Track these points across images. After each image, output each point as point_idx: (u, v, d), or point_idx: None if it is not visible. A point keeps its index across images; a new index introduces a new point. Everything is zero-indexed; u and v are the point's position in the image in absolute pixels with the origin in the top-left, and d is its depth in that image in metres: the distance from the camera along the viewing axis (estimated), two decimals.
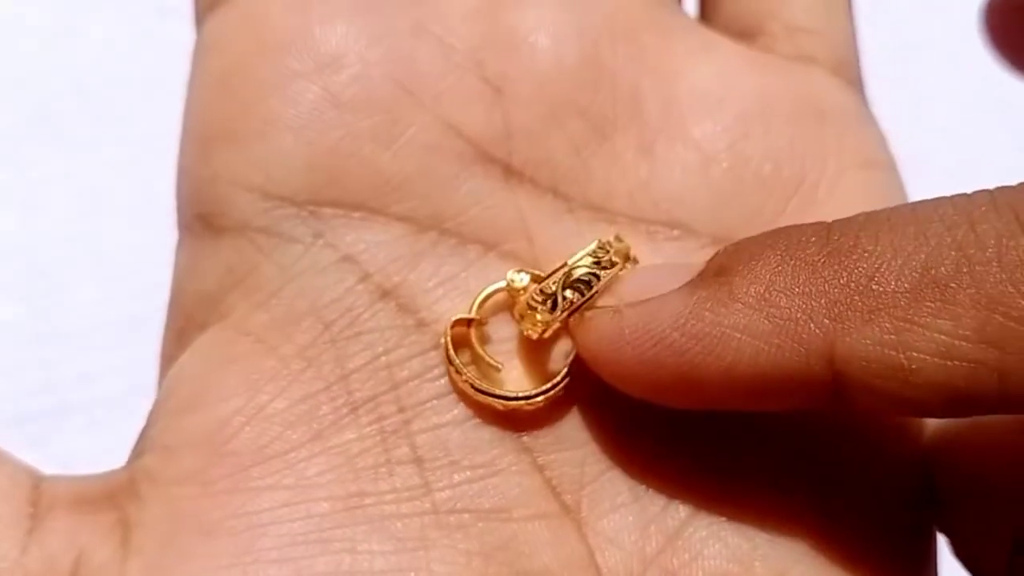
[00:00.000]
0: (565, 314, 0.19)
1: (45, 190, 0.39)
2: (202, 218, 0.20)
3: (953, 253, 0.16)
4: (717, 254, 0.18)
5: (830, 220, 0.18)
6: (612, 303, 0.18)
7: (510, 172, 0.20)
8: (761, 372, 0.17)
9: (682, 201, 0.21)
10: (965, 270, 0.16)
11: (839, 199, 0.21)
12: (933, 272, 0.16)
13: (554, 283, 0.19)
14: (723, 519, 0.19)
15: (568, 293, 0.19)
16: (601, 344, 0.18)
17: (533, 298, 0.19)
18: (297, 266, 0.19)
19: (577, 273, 0.19)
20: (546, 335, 0.19)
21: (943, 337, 0.16)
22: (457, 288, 0.19)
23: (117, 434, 0.20)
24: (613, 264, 0.19)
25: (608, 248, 0.19)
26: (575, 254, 0.19)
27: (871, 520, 0.19)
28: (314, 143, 0.19)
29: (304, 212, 0.19)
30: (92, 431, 0.36)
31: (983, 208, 0.16)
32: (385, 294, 0.19)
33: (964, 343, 0.16)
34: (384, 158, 0.19)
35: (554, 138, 0.20)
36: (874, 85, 0.24)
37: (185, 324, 0.20)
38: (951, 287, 0.16)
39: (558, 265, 0.19)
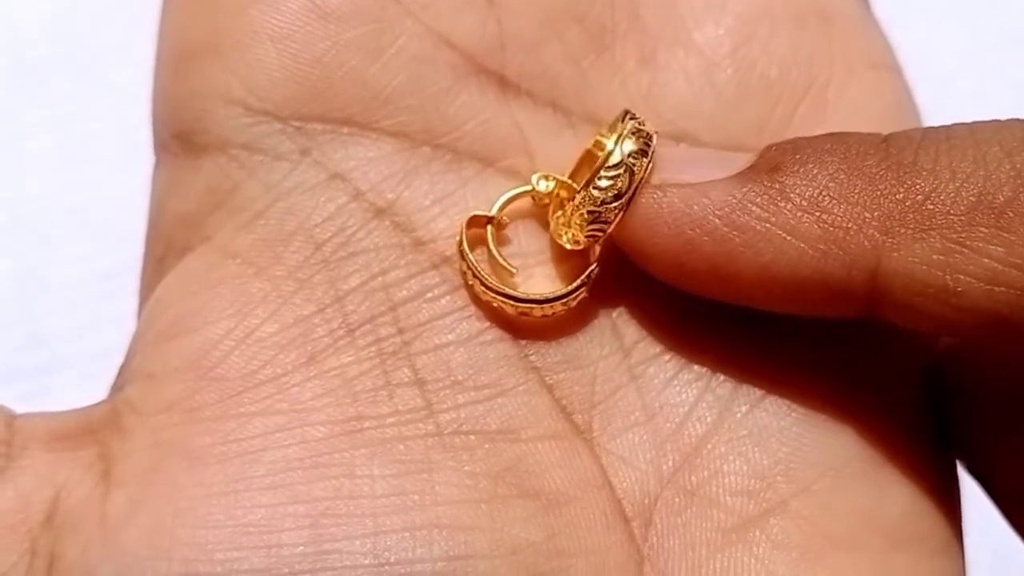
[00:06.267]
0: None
1: (24, 142, 0.39)
2: (180, 137, 0.19)
3: (1011, 180, 0.16)
4: (769, 149, 0.18)
5: (843, 124, 0.18)
6: (653, 180, 0.18)
7: (506, 84, 0.19)
8: (799, 275, 0.17)
9: (687, 111, 0.20)
10: (1023, 198, 0.16)
11: (850, 102, 0.21)
12: (989, 198, 0.16)
13: (605, 192, 0.18)
14: (743, 434, 0.18)
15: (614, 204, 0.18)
16: (636, 220, 0.18)
17: (582, 207, 0.18)
18: (284, 184, 0.18)
19: (626, 172, 0.18)
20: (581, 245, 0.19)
21: (993, 263, 0.16)
22: (455, 205, 0.19)
23: (109, 388, 0.19)
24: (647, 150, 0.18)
25: (640, 132, 0.18)
26: (610, 149, 0.18)
27: (892, 434, 0.19)
28: (298, 55, 0.19)
29: (289, 128, 0.19)
30: (84, 386, 0.35)
31: None
32: (379, 212, 0.19)
33: (1014, 271, 0.16)
34: (372, 70, 0.19)
35: (551, 48, 0.20)
36: (888, 6, 0.23)
37: (165, 251, 0.19)
38: (1007, 214, 0.16)
39: (600, 162, 0.18)
